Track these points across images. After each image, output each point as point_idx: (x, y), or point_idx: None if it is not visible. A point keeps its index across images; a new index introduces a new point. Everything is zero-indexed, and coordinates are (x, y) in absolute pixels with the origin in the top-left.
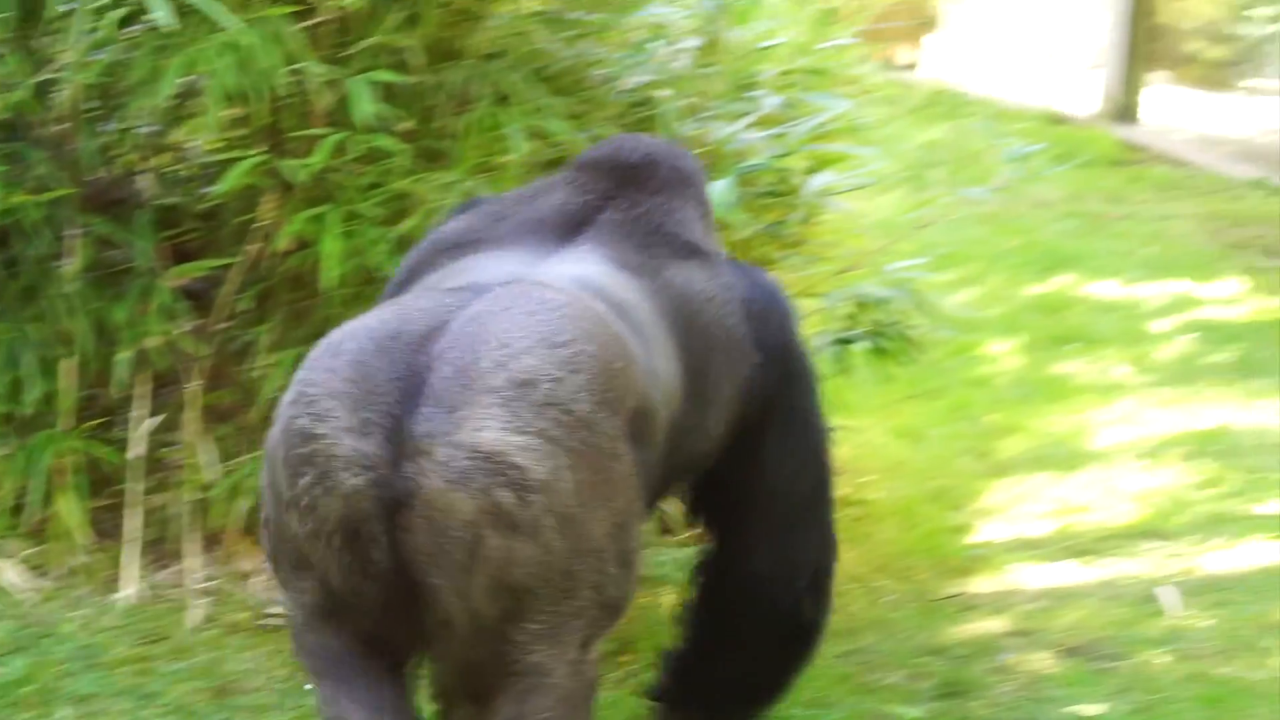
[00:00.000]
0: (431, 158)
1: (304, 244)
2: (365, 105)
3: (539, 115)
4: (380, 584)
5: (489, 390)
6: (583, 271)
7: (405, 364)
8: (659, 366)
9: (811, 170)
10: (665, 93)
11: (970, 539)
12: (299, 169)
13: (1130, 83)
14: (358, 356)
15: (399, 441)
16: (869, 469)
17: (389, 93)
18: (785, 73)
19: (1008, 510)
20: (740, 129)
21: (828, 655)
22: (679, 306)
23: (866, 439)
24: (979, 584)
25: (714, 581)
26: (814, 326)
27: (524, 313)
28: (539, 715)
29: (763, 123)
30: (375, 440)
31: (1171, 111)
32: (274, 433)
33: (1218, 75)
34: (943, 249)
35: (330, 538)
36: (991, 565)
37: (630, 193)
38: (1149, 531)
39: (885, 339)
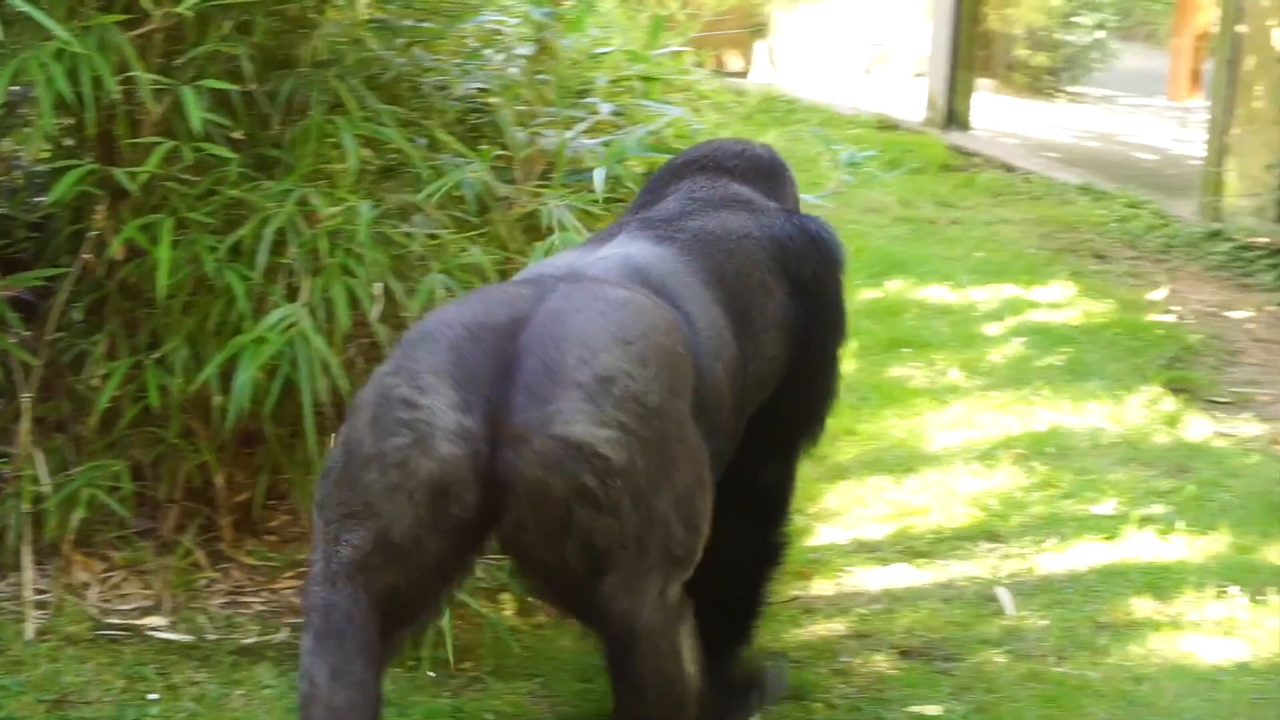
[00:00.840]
0: (264, 166)
1: (136, 253)
2: (197, 113)
3: (372, 123)
4: (447, 538)
5: (575, 385)
6: (624, 253)
7: (496, 352)
8: (703, 327)
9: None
10: (498, 100)
11: (808, 542)
12: (130, 178)
13: (959, 89)
14: (455, 342)
15: (494, 422)
16: None
17: (221, 101)
18: (618, 80)
19: (845, 514)
20: (574, 136)
21: None
22: (713, 252)
23: None
24: (818, 587)
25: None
26: None
27: (597, 312)
28: (637, 639)
29: (596, 130)
30: (474, 418)
31: (999, 117)
32: (366, 397)
33: (1043, 82)
34: None
35: (414, 492)
36: (830, 568)
37: (698, 177)
38: (984, 533)
39: None
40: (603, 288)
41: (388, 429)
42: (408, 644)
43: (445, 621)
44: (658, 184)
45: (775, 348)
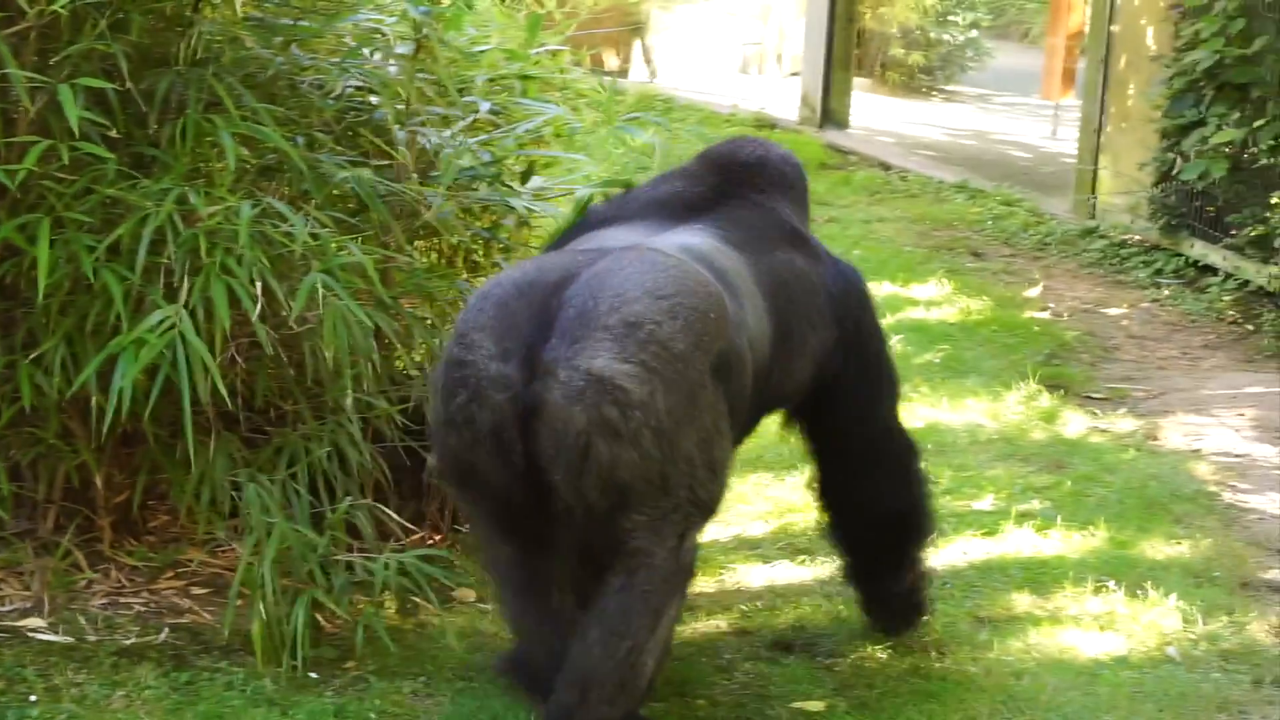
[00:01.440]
0: (142, 165)
1: (13, 251)
2: (73, 112)
3: (250, 122)
4: (522, 482)
5: (603, 328)
6: (691, 242)
7: (540, 305)
8: (749, 321)
9: (525, 175)
10: (377, 99)
11: None
12: (7, 176)
13: (834, 87)
14: (501, 299)
15: (529, 365)
16: None
17: (98, 99)
18: (497, 78)
19: (726, 511)
20: (452, 134)
21: None
22: (775, 279)
23: None
24: (700, 584)
25: (835, 500)
26: None
27: (637, 271)
28: (641, 587)
29: (475, 128)
30: (513, 364)
31: (875, 116)
32: (439, 368)
33: (919, 80)
34: None
35: (485, 444)
36: (712, 565)
37: (743, 187)
38: None
39: None
40: (654, 254)
41: (451, 391)
42: (287, 644)
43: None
44: (700, 176)
45: (803, 374)
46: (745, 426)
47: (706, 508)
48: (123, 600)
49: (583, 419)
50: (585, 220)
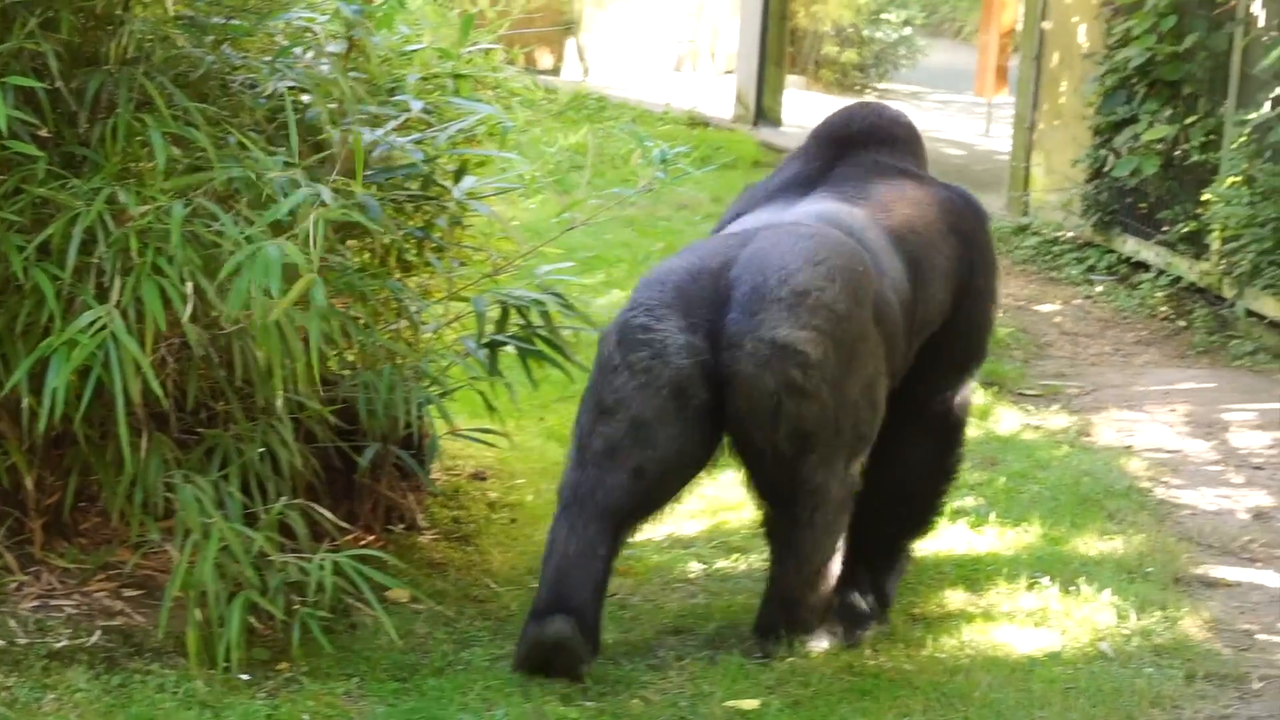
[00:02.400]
0: (72, 164)
1: None
2: (2, 111)
3: (181, 121)
4: (686, 425)
5: (777, 300)
6: (819, 209)
7: (712, 288)
8: (885, 265)
9: (457, 174)
10: (308, 98)
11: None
12: None
13: (768, 85)
14: (679, 282)
15: (714, 337)
16: (521, 472)
17: (27, 98)
18: (429, 77)
19: None
20: (385, 133)
21: (485, 659)
22: (894, 213)
23: (518, 442)
24: (634, 583)
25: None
26: (462, 331)
27: (790, 243)
28: (823, 518)
29: (408, 127)
30: (699, 335)
31: (809, 113)
32: (609, 331)
33: (852, 78)
34: (589, 252)
35: (660, 389)
36: (646, 564)
37: (856, 152)
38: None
39: (534, 342)
40: (795, 227)
41: (632, 346)
42: (221, 646)
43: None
44: (816, 153)
45: (942, 292)
46: (904, 355)
47: (868, 439)
48: (54, 603)
49: (772, 382)
50: (728, 214)
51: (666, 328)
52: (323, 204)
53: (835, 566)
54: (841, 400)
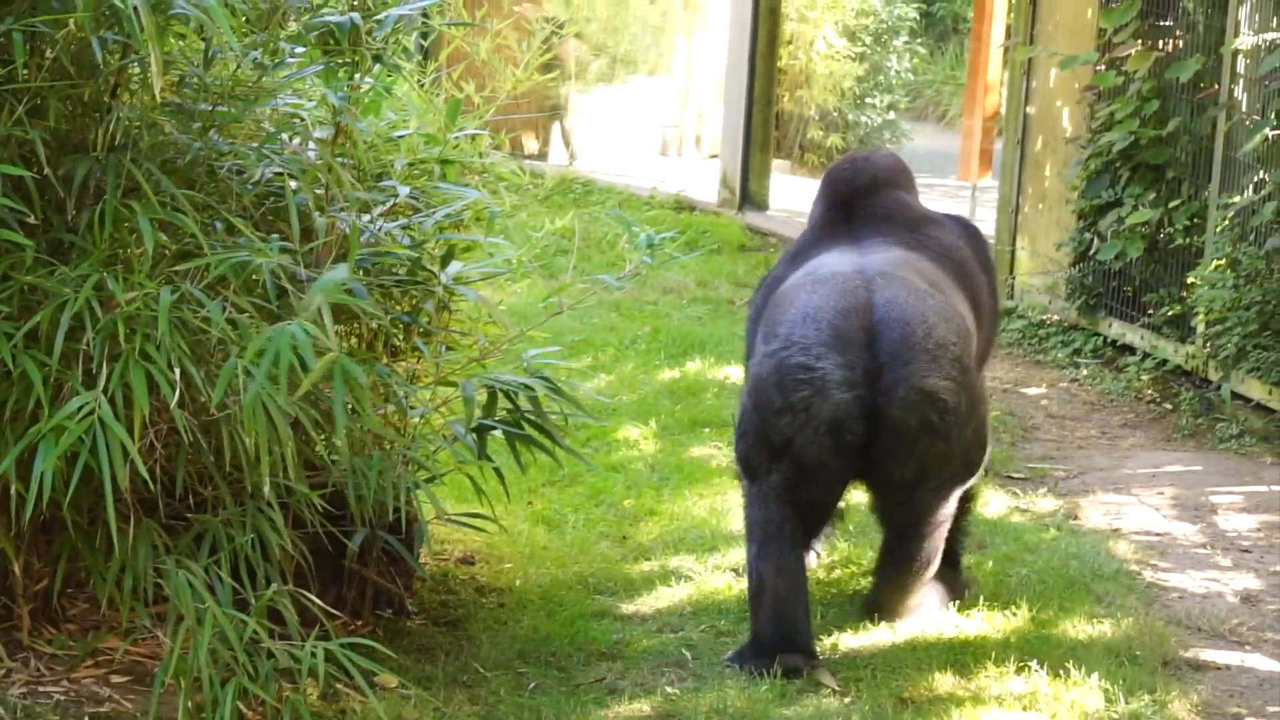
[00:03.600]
0: (60, 251)
1: None
2: None
3: (168, 207)
4: (843, 459)
5: (925, 351)
6: (897, 258)
7: (860, 329)
8: (964, 311)
9: (444, 259)
10: (295, 184)
11: (614, 623)
12: None
13: (754, 169)
14: (832, 322)
15: (869, 377)
16: (509, 556)
17: (15, 185)
18: (416, 162)
19: (649, 594)
20: (372, 219)
21: None
22: (947, 260)
23: (506, 526)
24: (623, 667)
25: None
26: (449, 415)
27: (920, 300)
28: (928, 527)
29: (395, 212)
30: (856, 374)
31: (794, 197)
32: (765, 370)
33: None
34: (575, 336)
35: (819, 428)
36: (635, 648)
37: (874, 198)
38: None
39: (522, 426)
40: (908, 283)
41: (793, 387)
42: None
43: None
44: (843, 201)
45: (985, 321)
46: None
47: (975, 471)
48: (42, 689)
49: (915, 424)
50: (787, 260)
51: (825, 365)
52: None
53: (934, 567)
54: (961, 441)
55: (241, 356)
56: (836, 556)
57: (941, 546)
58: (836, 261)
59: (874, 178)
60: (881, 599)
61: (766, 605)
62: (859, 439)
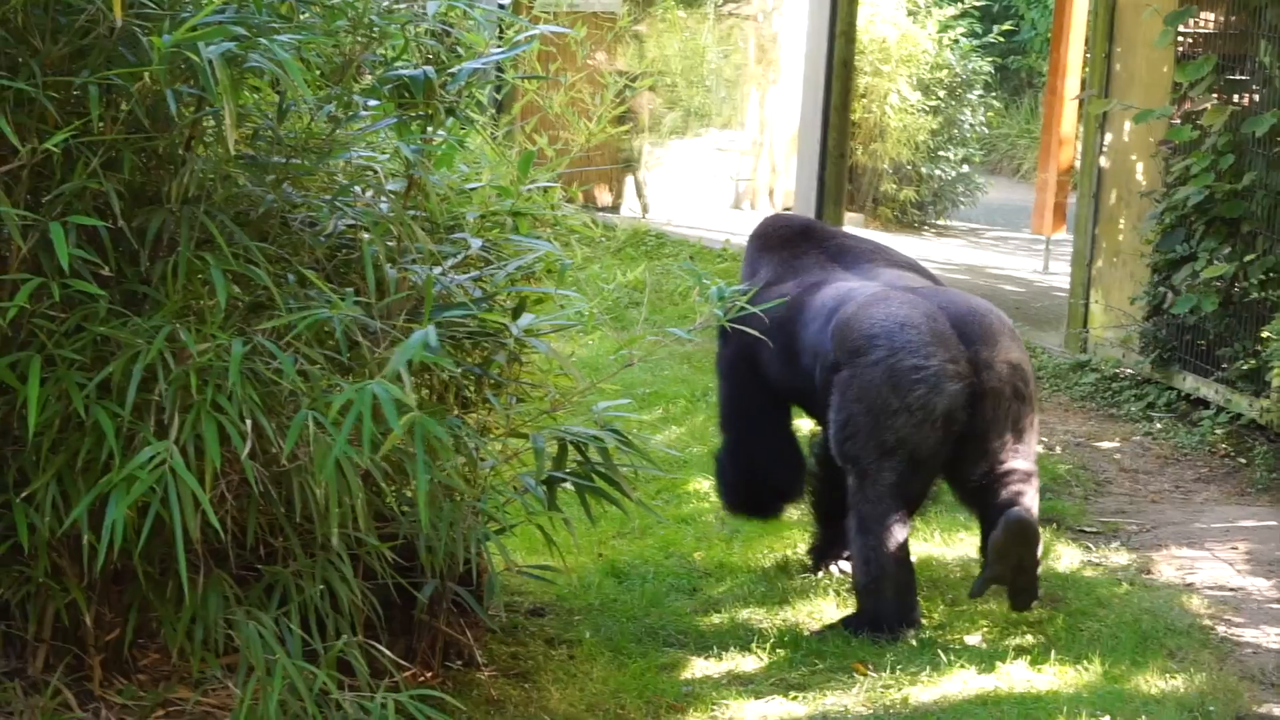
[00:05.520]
0: (133, 302)
1: (3, 390)
2: (64, 250)
3: (241, 259)
4: (947, 446)
5: (1004, 333)
6: (896, 275)
7: (948, 326)
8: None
9: (516, 311)
10: (368, 236)
11: (682, 675)
12: None
13: (828, 221)
14: (929, 326)
15: (970, 364)
16: (579, 608)
17: (90, 237)
18: (488, 215)
19: (718, 645)
20: (443, 271)
21: None
22: (918, 269)
23: (576, 578)
24: None
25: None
26: (520, 467)
27: (965, 298)
28: (1031, 483)
29: (467, 265)
30: (963, 366)
31: None
32: (876, 375)
33: (910, 215)
34: (646, 389)
35: (935, 422)
36: (704, 701)
37: (827, 236)
38: (859, 663)
39: (592, 479)
40: (947, 291)
41: (909, 388)
42: None
43: None
44: (793, 240)
45: None
46: None
47: (1035, 442)
48: None
49: (1009, 391)
50: (791, 279)
51: (936, 362)
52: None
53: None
54: (1034, 403)
55: (321, 410)
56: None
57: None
58: (863, 281)
59: (811, 223)
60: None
61: (888, 591)
62: (962, 424)
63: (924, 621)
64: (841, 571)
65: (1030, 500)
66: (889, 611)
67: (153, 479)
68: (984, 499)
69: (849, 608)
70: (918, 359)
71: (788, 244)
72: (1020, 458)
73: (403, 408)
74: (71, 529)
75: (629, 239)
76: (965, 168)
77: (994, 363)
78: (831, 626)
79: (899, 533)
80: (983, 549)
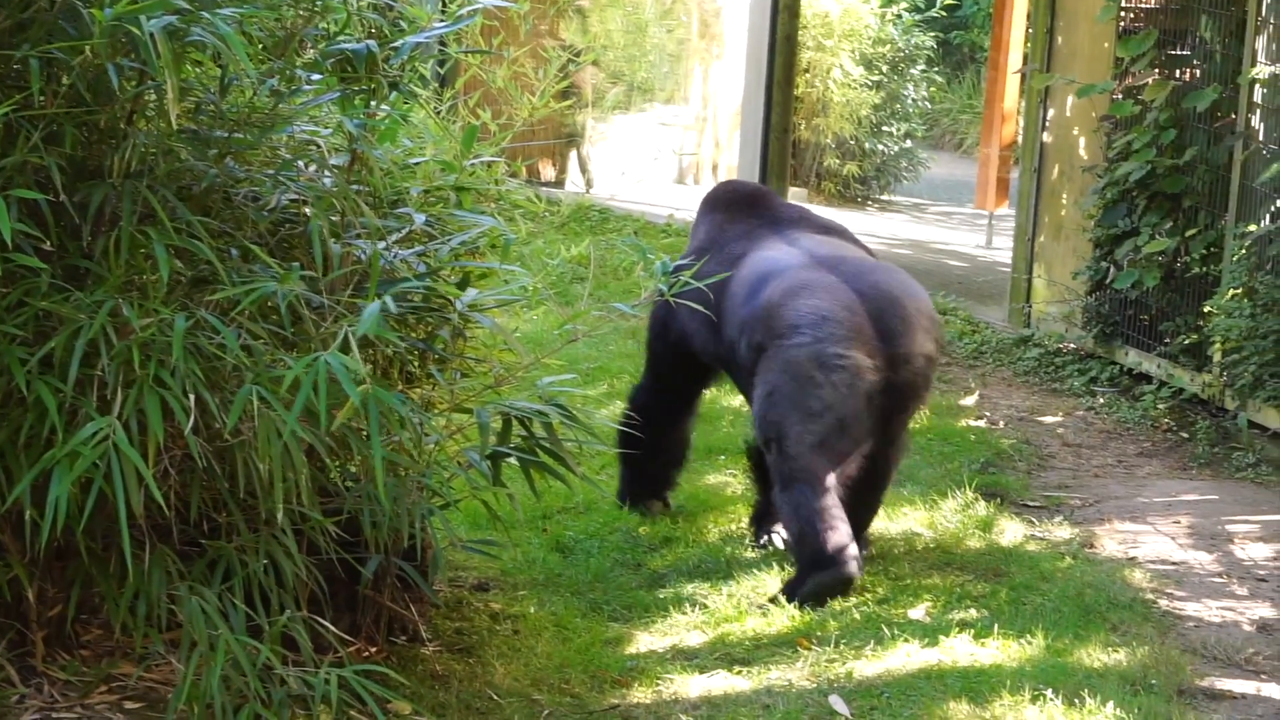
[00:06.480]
0: (75, 277)
1: None
2: (6, 224)
3: (184, 234)
4: (871, 418)
5: (920, 327)
6: (840, 244)
7: (866, 319)
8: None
9: (460, 286)
10: (312, 211)
11: (627, 650)
12: None
13: None
14: (846, 318)
15: (887, 355)
16: (523, 583)
17: (31, 211)
18: (432, 190)
19: (663, 621)
20: (388, 246)
21: None
22: (850, 236)
23: (521, 553)
24: (637, 695)
25: None
26: (464, 443)
27: (898, 279)
28: (899, 449)
29: (411, 239)
30: (879, 361)
31: None
32: (800, 355)
33: (854, 190)
34: (591, 364)
35: (859, 398)
36: (649, 676)
37: (764, 209)
38: (802, 639)
39: (537, 454)
40: (866, 272)
41: (832, 370)
42: None
43: None
44: (728, 209)
45: None
46: None
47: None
48: (55, 715)
49: (923, 381)
50: (718, 244)
51: (853, 352)
52: None
53: None
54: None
55: (266, 385)
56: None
57: None
58: (798, 255)
59: (757, 189)
60: (864, 527)
61: (823, 534)
62: (881, 404)
63: (863, 565)
64: (785, 541)
65: (883, 495)
66: (825, 553)
67: (96, 454)
68: (860, 478)
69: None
70: (839, 348)
71: (727, 208)
72: (904, 432)
73: (357, 379)
74: (14, 505)
75: (573, 214)
76: (908, 143)
77: (911, 358)
78: (774, 599)
79: (827, 484)
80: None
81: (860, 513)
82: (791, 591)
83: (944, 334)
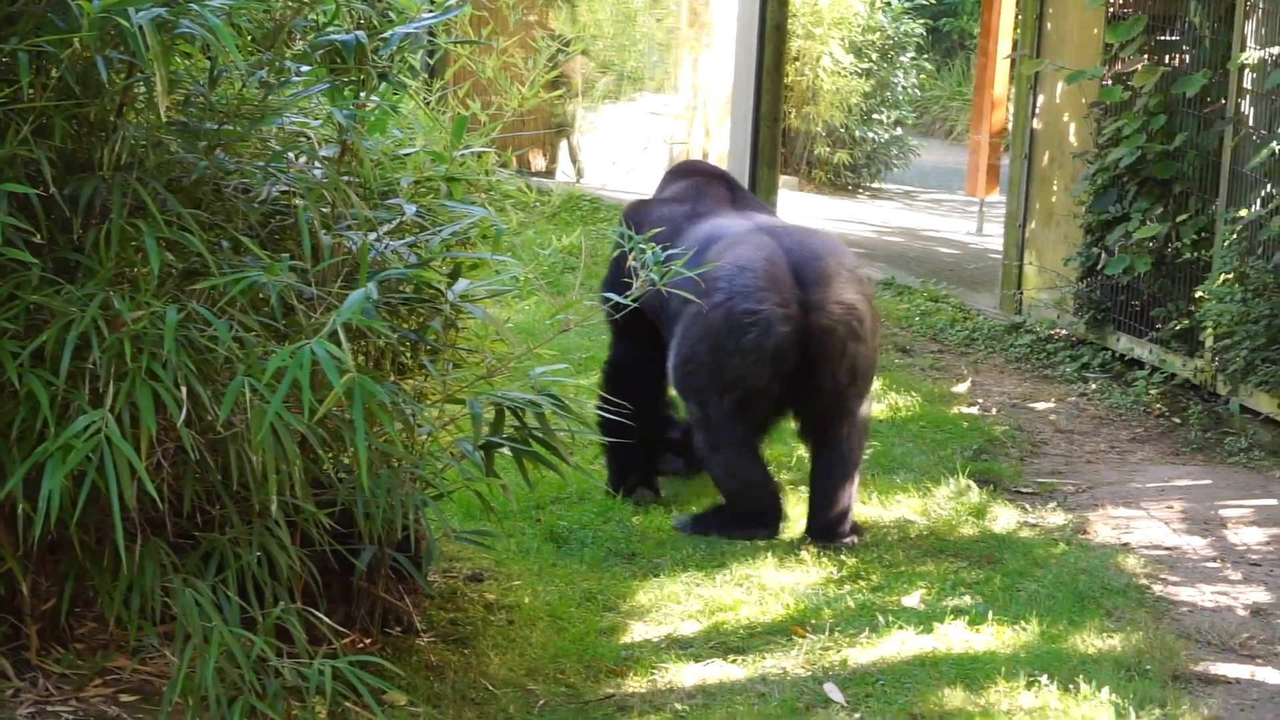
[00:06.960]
0: (66, 270)
1: None
2: None
3: (175, 226)
4: (782, 382)
5: (840, 274)
6: (771, 219)
7: (784, 271)
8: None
9: (451, 277)
10: (302, 202)
11: (622, 640)
12: None
13: (761, 186)
14: (766, 269)
15: (802, 306)
16: (518, 573)
17: (21, 205)
18: (422, 180)
19: (657, 610)
20: (378, 237)
21: None
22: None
23: (514, 543)
24: (632, 684)
25: None
26: (457, 433)
27: (821, 241)
28: (857, 435)
29: (401, 230)
30: (792, 309)
31: (802, 213)
32: (716, 317)
33: (844, 178)
34: (583, 353)
35: (767, 361)
36: (644, 666)
37: (720, 185)
38: (797, 627)
39: (530, 444)
40: (804, 231)
41: (742, 329)
42: None
43: None
44: (682, 177)
45: None
46: None
47: (872, 382)
48: (50, 709)
49: (844, 332)
50: (665, 216)
51: (766, 306)
52: None
53: (859, 475)
54: (874, 347)
55: (256, 376)
56: (845, 572)
57: (862, 460)
58: (741, 223)
59: (718, 171)
60: (821, 521)
61: (746, 485)
62: (794, 364)
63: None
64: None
65: (849, 484)
66: (753, 514)
67: (88, 448)
68: (816, 439)
69: (787, 569)
70: (752, 300)
71: (685, 176)
72: (855, 406)
73: (342, 367)
74: (7, 498)
75: (564, 204)
76: (898, 130)
77: (825, 304)
78: (701, 518)
79: (750, 443)
80: (811, 485)
81: (822, 507)
82: (712, 525)
83: (872, 292)
